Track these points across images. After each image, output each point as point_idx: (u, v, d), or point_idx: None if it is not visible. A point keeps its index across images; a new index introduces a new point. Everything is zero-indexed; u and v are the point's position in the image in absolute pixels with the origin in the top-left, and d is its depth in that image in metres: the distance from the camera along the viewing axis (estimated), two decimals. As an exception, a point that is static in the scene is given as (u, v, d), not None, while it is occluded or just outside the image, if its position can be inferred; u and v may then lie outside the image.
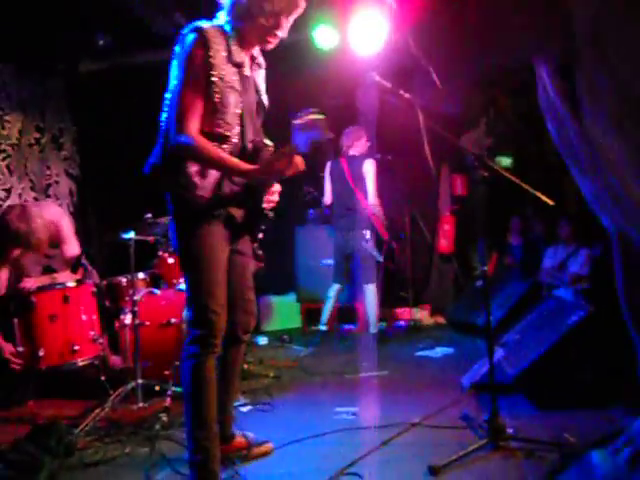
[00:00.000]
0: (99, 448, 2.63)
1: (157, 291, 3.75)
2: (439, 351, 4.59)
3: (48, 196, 5.27)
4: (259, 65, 2.31)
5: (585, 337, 2.92)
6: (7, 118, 4.87)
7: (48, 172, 5.34)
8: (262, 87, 2.33)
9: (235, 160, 2.07)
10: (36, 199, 5.07)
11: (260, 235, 2.32)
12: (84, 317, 3.41)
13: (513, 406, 2.87)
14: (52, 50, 4.99)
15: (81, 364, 3.31)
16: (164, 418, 2.84)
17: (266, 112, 2.35)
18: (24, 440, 2.47)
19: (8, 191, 4.82)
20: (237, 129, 2.12)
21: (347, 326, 5.87)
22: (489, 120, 6.71)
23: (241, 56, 2.16)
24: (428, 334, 5.36)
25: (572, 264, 5.33)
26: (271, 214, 2.27)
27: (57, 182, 5.44)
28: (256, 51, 2.28)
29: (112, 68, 5.46)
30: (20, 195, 4.94)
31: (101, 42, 4.95)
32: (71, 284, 3.43)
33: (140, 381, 3.07)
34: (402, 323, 5.82)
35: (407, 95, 2.56)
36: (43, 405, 3.27)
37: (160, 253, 3.95)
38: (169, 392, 3.05)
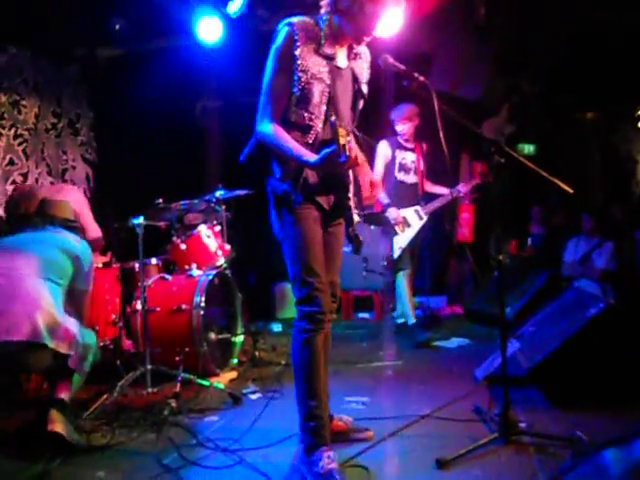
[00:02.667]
0: (107, 432, 2.63)
1: (169, 277, 3.75)
2: (455, 342, 4.52)
3: (64, 181, 5.31)
4: (358, 55, 2.32)
5: (604, 331, 2.82)
6: (24, 103, 4.90)
7: (64, 157, 5.37)
8: (362, 77, 2.35)
9: (301, 150, 2.10)
10: (52, 184, 5.10)
11: (356, 219, 2.38)
12: (107, 299, 3.45)
13: (526, 400, 2.80)
14: (69, 36, 4.99)
15: (99, 345, 3.33)
16: (173, 404, 2.83)
17: (365, 101, 2.38)
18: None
19: (25, 176, 4.85)
20: (321, 119, 2.17)
21: (363, 315, 5.83)
22: (512, 106, 6.55)
23: (333, 48, 2.21)
24: (444, 324, 5.28)
25: (597, 258, 5.19)
26: (351, 205, 2.34)
27: (74, 167, 5.48)
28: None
29: (129, 54, 5.45)
30: (37, 180, 4.97)
31: (118, 27, 4.93)
32: (98, 265, 3.46)
33: (149, 366, 3.06)
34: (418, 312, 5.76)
35: (422, 78, 2.47)
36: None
37: (173, 239, 3.95)
38: (179, 378, 3.05)
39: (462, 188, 4.66)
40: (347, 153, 1.98)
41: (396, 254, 4.54)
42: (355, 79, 2.31)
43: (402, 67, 2.46)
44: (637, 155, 9.20)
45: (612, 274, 5.10)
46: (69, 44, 5.26)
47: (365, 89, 2.36)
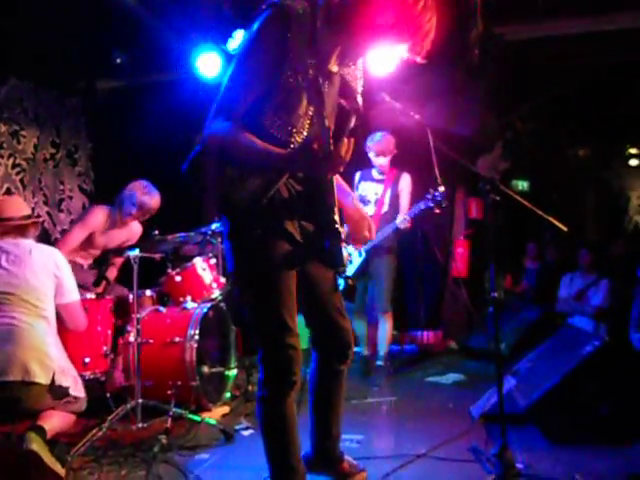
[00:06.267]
0: (95, 469, 2.57)
1: (163, 309, 3.72)
2: (450, 377, 4.48)
3: (61, 211, 5.32)
4: (352, 60, 1.83)
5: (601, 369, 2.81)
6: (23, 133, 4.94)
7: (62, 187, 5.39)
8: (356, 87, 1.88)
9: (268, 147, 1.63)
10: (49, 214, 5.11)
11: (344, 256, 1.87)
12: (99, 331, 3.40)
13: (524, 439, 2.75)
14: (70, 67, 5.07)
15: (89, 378, 3.28)
16: (163, 440, 2.77)
17: (359, 118, 1.89)
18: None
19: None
20: (303, 135, 1.71)
21: (356, 349, 5.76)
22: (505, 144, 6.65)
23: (329, 46, 1.71)
24: (439, 359, 5.24)
25: (593, 296, 5.19)
26: (340, 234, 1.83)
27: (70, 197, 5.49)
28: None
29: (129, 86, 5.54)
30: (33, 209, 4.97)
31: (118, 61, 5.02)
32: (91, 296, 3.44)
33: (140, 400, 3.01)
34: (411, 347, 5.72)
35: (417, 116, 2.52)
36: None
37: (168, 271, 3.93)
38: (170, 413, 2.99)
39: (406, 216, 4.10)
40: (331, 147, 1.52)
41: None
42: (346, 89, 1.85)
43: (398, 105, 2.50)
44: (629, 191, 9.32)
45: (607, 312, 5.09)
46: (70, 76, 5.34)
47: (360, 101, 1.88)
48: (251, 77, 1.68)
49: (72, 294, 2.83)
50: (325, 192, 1.82)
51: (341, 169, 1.64)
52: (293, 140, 1.70)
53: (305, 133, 1.72)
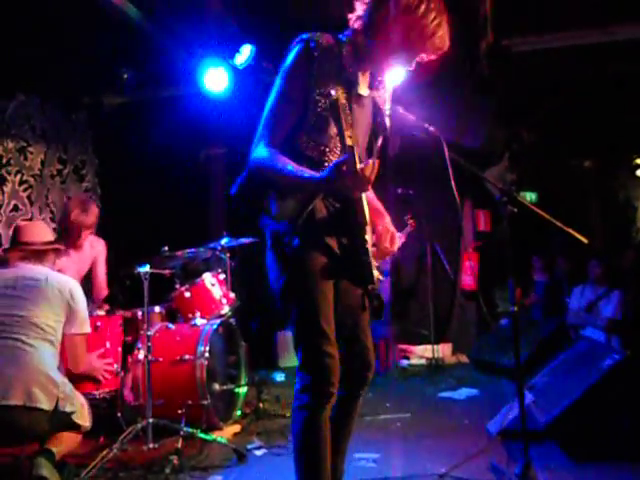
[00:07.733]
0: (106, 493, 2.51)
1: (172, 326, 3.67)
2: (463, 392, 4.41)
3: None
4: (381, 84, 2.02)
5: (622, 383, 2.75)
6: (30, 149, 4.93)
7: (69, 203, 5.36)
8: (385, 108, 2.05)
9: (304, 170, 1.77)
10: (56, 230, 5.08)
11: (375, 275, 1.89)
12: (110, 348, 3.35)
13: (544, 456, 2.68)
14: (77, 83, 5.08)
15: (99, 396, 3.22)
16: (175, 461, 2.72)
17: (385, 136, 2.04)
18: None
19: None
20: (336, 155, 1.87)
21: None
22: (512, 155, 6.63)
23: (355, 73, 1.93)
24: (450, 373, 5.17)
25: (604, 307, 5.13)
26: (369, 253, 1.87)
27: (78, 213, 5.46)
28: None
29: (135, 102, 5.53)
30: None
31: (125, 76, 5.02)
32: (101, 313, 3.39)
33: (151, 420, 2.95)
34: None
35: (432, 128, 2.48)
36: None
37: (178, 287, 3.89)
38: (181, 432, 2.93)
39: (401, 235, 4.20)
40: (359, 167, 1.67)
41: None
42: (377, 111, 2.02)
43: (412, 117, 2.46)
44: (636, 202, 9.27)
45: (619, 323, 5.03)
46: (77, 92, 5.34)
47: (388, 122, 2.05)
48: (285, 104, 1.88)
49: (83, 326, 2.72)
50: (357, 210, 1.89)
51: (367, 189, 1.80)
52: (327, 159, 1.87)
53: (339, 152, 1.86)
